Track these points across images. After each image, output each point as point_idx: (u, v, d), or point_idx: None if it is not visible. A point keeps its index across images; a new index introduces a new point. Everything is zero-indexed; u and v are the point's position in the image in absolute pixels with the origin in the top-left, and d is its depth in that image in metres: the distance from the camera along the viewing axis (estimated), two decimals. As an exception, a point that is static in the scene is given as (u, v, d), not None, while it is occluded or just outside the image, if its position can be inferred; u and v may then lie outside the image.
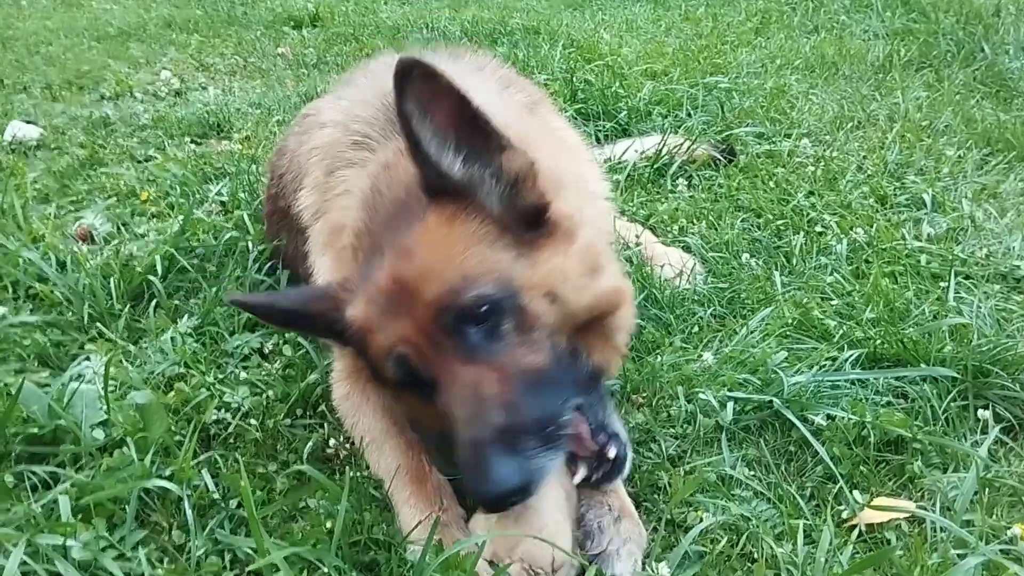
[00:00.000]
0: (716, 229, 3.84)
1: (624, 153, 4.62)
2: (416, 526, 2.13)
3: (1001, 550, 2.05)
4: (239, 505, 2.28)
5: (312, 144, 2.85)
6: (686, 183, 4.35)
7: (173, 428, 2.55)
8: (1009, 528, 2.15)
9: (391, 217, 2.24)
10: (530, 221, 2.16)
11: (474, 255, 2.07)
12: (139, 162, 4.88)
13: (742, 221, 3.89)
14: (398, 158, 2.39)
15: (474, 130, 2.09)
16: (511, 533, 2.05)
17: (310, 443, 2.54)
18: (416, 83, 1.97)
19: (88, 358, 2.87)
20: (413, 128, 2.04)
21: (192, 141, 5.23)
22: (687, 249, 3.69)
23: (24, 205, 3.96)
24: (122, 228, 3.95)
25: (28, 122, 5.32)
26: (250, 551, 2.10)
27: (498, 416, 1.93)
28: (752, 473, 2.43)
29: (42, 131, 5.24)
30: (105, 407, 2.55)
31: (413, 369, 2.08)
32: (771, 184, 4.27)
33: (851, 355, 2.81)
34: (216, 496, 2.30)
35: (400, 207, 2.24)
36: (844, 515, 2.26)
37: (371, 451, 2.47)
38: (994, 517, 2.24)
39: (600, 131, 5.15)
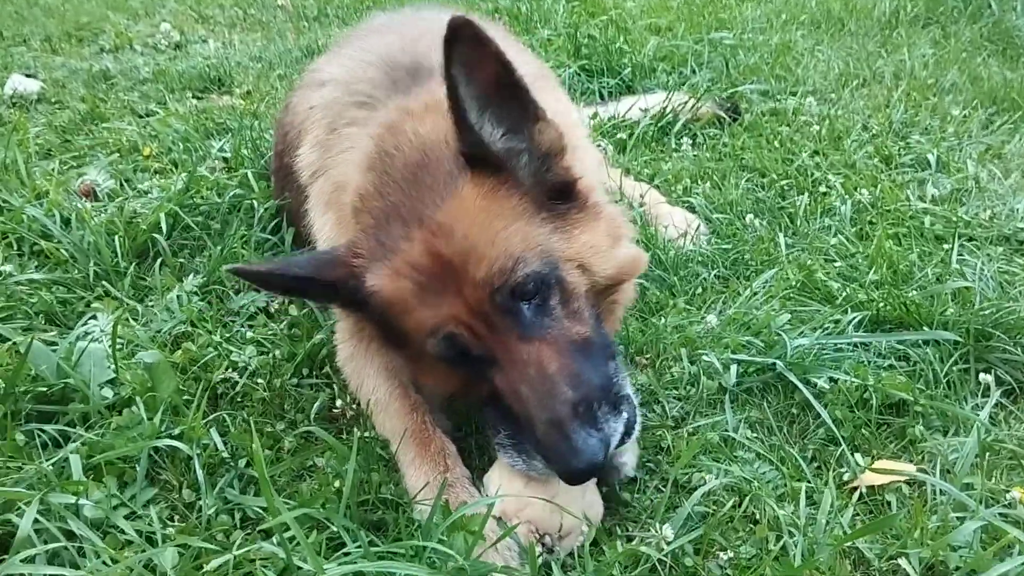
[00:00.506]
0: (720, 189, 3.84)
1: (628, 111, 4.60)
2: (423, 487, 2.15)
3: (1000, 514, 2.08)
4: (248, 464, 2.31)
5: (313, 102, 2.84)
6: (690, 142, 4.33)
7: (181, 387, 2.57)
8: (1008, 492, 2.17)
9: (410, 183, 2.18)
10: (558, 195, 2.17)
11: (517, 231, 2.06)
12: (140, 117, 4.86)
13: (746, 181, 3.88)
14: (404, 118, 2.37)
15: (513, 100, 2.07)
16: (529, 496, 2.09)
17: (317, 403, 2.57)
18: (464, 46, 1.92)
19: (95, 316, 2.88)
20: (459, 94, 1.99)
21: (193, 96, 5.20)
22: (691, 209, 3.69)
23: (27, 161, 3.95)
24: (125, 184, 3.94)
25: (28, 75, 5.29)
26: (260, 510, 2.13)
27: (569, 391, 1.96)
28: (755, 435, 2.45)
29: (42, 85, 5.21)
30: (113, 366, 2.57)
31: (464, 348, 2.07)
32: (776, 143, 4.26)
33: (854, 318, 2.83)
34: (225, 455, 2.33)
35: (420, 172, 2.18)
36: (845, 477, 2.29)
37: (376, 413, 2.49)
38: (993, 480, 2.27)
39: (604, 88, 5.12)
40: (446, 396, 2.40)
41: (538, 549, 2.04)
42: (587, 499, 2.16)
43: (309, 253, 2.66)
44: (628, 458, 2.21)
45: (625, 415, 2.05)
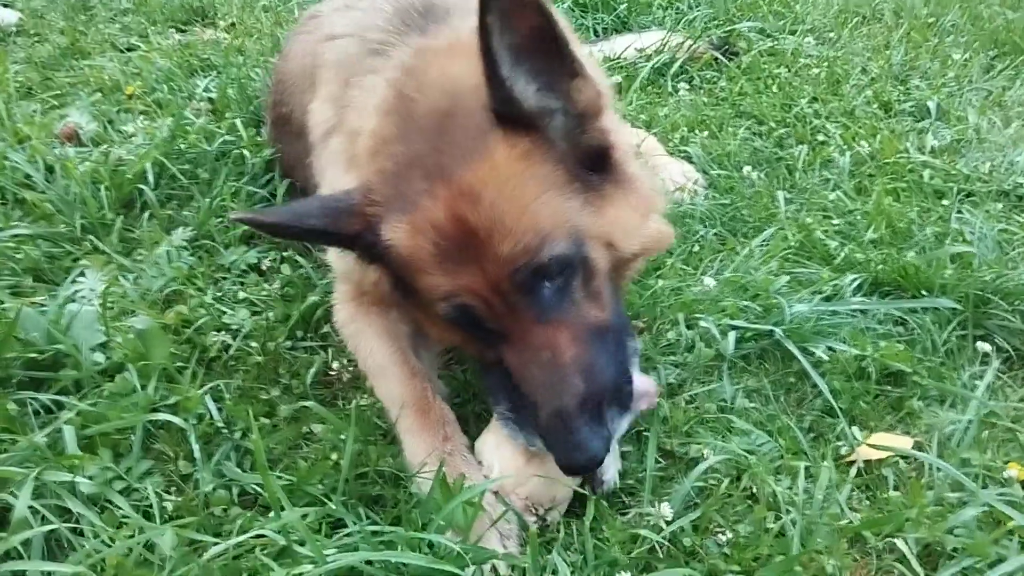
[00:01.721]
0: (718, 138, 3.78)
1: (624, 51, 4.50)
2: (423, 464, 2.13)
3: (999, 494, 2.09)
4: (243, 435, 2.29)
5: (325, 57, 2.68)
6: (687, 86, 4.25)
7: (174, 351, 2.54)
8: (1005, 470, 2.18)
9: (435, 131, 2.01)
10: (592, 163, 2.05)
11: (547, 204, 1.94)
12: (121, 52, 4.73)
13: (745, 130, 3.82)
14: (425, 59, 2.22)
15: (551, 53, 1.90)
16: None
17: (312, 368, 2.54)
18: None
19: (83, 273, 2.83)
20: (492, 44, 1.81)
21: (176, 29, 5.05)
22: (688, 160, 3.63)
23: (7, 101, 3.84)
24: (108, 126, 3.84)
25: (6, 6, 5.12)
26: (258, 488, 2.12)
27: (580, 384, 1.92)
28: (752, 404, 2.45)
29: (20, 16, 5.04)
30: (104, 328, 2.53)
31: (477, 319, 1.99)
32: (774, 88, 4.19)
33: (852, 280, 2.81)
34: (221, 425, 2.31)
35: (446, 121, 2.01)
36: (843, 451, 2.30)
37: (375, 378, 2.46)
38: (989, 454, 2.27)
39: (598, 24, 5.01)
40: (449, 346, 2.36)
41: (531, 520, 2.06)
42: None
43: (321, 199, 2.34)
44: (611, 473, 2.19)
45: (631, 414, 2.04)
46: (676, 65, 4.37)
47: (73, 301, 2.68)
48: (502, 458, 2.12)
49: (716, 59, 4.50)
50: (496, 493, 2.08)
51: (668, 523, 2.03)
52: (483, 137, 1.96)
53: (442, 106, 2.05)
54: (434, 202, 1.94)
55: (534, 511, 2.09)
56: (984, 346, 2.59)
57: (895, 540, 2.00)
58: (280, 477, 2.11)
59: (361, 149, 2.23)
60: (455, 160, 1.95)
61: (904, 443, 2.28)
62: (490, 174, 1.92)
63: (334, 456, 2.18)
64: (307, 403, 2.38)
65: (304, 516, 1.99)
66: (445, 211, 1.92)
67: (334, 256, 2.62)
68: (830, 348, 2.55)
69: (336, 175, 2.48)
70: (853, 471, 2.22)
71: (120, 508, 2.04)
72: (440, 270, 1.97)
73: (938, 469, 2.20)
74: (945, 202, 3.28)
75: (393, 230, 1.99)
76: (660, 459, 2.28)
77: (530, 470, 2.09)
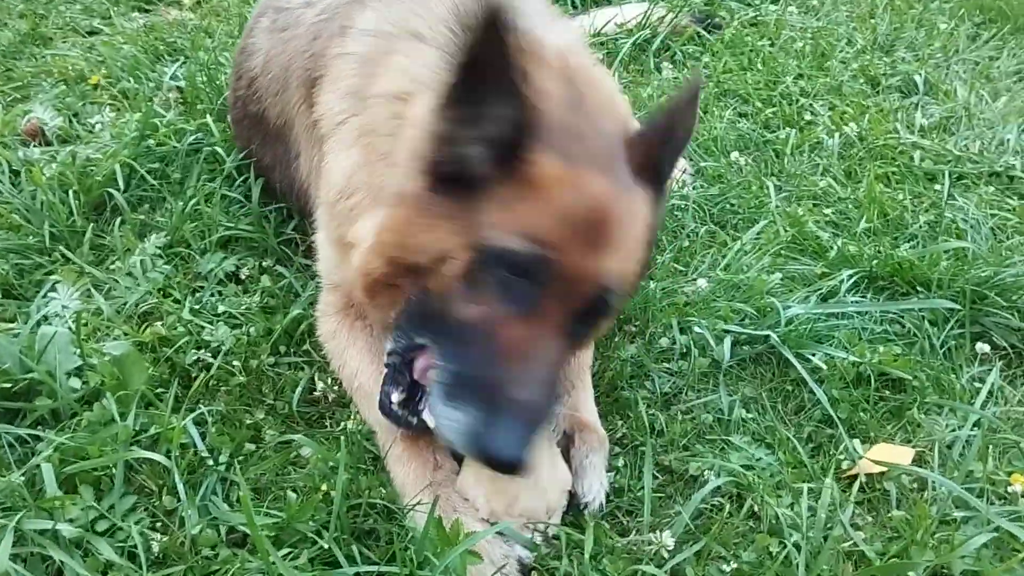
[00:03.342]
0: (704, 121, 3.68)
1: (605, 26, 4.38)
2: (415, 498, 2.07)
3: (1006, 512, 2.06)
4: (228, 467, 2.22)
5: (341, 51, 2.45)
6: (670, 64, 4.15)
7: (152, 371, 2.45)
8: (1008, 482, 2.15)
9: (592, 123, 2.01)
10: None
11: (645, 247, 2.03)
12: (84, 36, 4.54)
13: (731, 111, 3.73)
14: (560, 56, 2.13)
15: None
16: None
17: (298, 387, 2.46)
18: None
19: (54, 288, 2.73)
20: None
21: (138, 10, 4.86)
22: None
23: (-33, 94, 3.70)
24: (73, 120, 3.70)
25: (-40, -12, 4.90)
26: (244, 528, 2.05)
27: (547, 392, 1.88)
28: (749, 415, 2.40)
29: (-25, -2, 4.84)
30: (79, 350, 2.44)
31: (527, 291, 1.85)
32: (759, 64, 4.09)
33: (846, 276, 2.76)
34: (205, 454, 2.23)
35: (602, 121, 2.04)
36: (844, 465, 2.25)
37: (360, 399, 2.40)
38: (992, 463, 2.24)
39: (578, -4, 4.87)
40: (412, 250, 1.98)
41: (538, 539, 2.04)
42: (559, 470, 2.15)
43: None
44: (596, 494, 2.16)
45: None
46: (658, 40, 4.26)
47: (46, 320, 2.58)
48: (486, 490, 2.06)
49: (698, 33, 4.39)
50: (493, 524, 2.03)
51: (670, 552, 1.98)
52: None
53: (603, 105, 2.09)
54: (602, 187, 1.91)
55: (534, 527, 2.06)
56: (983, 347, 2.55)
57: (901, 561, 1.97)
58: (269, 513, 2.04)
59: (375, 145, 2.19)
60: (621, 173, 1.97)
61: (905, 455, 2.25)
62: (640, 204, 2.00)
63: (324, 487, 2.11)
64: (294, 430, 2.30)
65: (295, 556, 1.94)
66: (599, 206, 1.89)
67: (323, 263, 2.53)
68: (827, 355, 2.49)
69: (338, 151, 2.35)
70: (855, 487, 2.18)
71: (103, 553, 1.97)
72: (569, 245, 1.85)
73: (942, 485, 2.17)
74: (937, 186, 3.22)
75: (549, 159, 1.88)
76: (657, 474, 2.25)
77: (515, 488, 2.04)
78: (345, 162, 2.28)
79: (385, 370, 2.14)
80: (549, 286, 1.85)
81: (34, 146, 3.47)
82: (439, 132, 1.88)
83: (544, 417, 1.88)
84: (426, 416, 2.02)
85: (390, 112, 2.17)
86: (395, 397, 2.05)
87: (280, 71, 2.74)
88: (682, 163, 3.37)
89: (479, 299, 1.86)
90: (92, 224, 3.03)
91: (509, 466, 1.80)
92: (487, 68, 1.78)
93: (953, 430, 2.32)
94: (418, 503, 2.06)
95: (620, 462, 2.28)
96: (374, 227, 2.02)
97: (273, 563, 1.84)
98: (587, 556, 1.97)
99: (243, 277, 2.87)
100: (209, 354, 2.54)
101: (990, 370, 2.50)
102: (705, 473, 2.20)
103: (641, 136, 2.05)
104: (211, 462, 2.22)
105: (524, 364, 1.84)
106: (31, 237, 2.96)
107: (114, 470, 2.14)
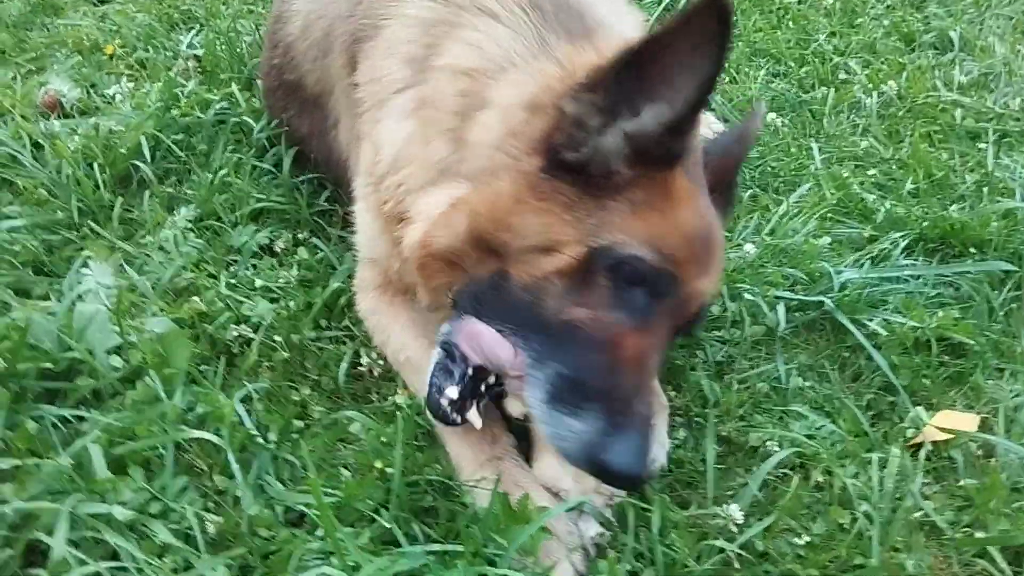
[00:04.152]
0: (736, 82, 3.61)
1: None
2: (474, 474, 2.03)
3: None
4: (279, 445, 2.17)
5: (393, 11, 2.32)
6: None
7: (194, 348, 2.40)
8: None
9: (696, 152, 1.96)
10: None
11: None
12: (95, 5, 4.44)
13: (764, 72, 3.64)
14: None
15: None
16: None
17: (344, 363, 2.40)
18: None
19: (86, 264, 2.66)
20: None
21: (150, -27, 4.75)
22: (709, 108, 3.46)
23: (-19, 67, 3.61)
24: (91, 91, 3.62)
25: (-34, -42, 4.78)
26: (303, 507, 2.00)
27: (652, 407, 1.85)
28: (807, 384, 2.35)
29: (-17, -31, 4.72)
30: (119, 329, 2.38)
31: (645, 302, 1.79)
32: (789, 23, 4.00)
33: (897, 238, 2.70)
34: (254, 432, 2.18)
35: None
36: (908, 433, 2.21)
37: (408, 372, 2.35)
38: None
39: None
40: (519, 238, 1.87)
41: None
42: None
43: None
44: (658, 452, 2.11)
45: None
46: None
47: (81, 298, 2.52)
48: (572, 471, 1.98)
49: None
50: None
51: (739, 526, 1.94)
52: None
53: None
54: (707, 202, 1.93)
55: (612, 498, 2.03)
56: (1043, 309, 2.50)
57: (975, 532, 1.93)
58: (326, 492, 1.99)
59: (439, 120, 2.07)
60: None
61: (971, 422, 2.21)
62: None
63: (379, 464, 2.06)
64: (341, 406, 2.26)
65: (358, 535, 1.89)
66: (710, 229, 1.89)
67: (362, 236, 2.46)
68: (884, 320, 2.43)
69: (390, 124, 2.23)
70: (921, 455, 2.13)
71: (158, 534, 1.92)
72: (689, 259, 1.81)
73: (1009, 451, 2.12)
74: (980, 145, 3.15)
75: (684, 180, 1.84)
76: (716, 445, 2.19)
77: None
78: (398, 133, 2.18)
79: (435, 351, 2.04)
80: (666, 301, 1.79)
81: (54, 119, 3.39)
82: (573, 114, 1.78)
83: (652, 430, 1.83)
84: (471, 416, 1.96)
85: (457, 88, 2.06)
86: (450, 393, 1.94)
87: (321, 35, 2.66)
88: (718, 125, 3.31)
89: (586, 301, 1.78)
90: (120, 198, 2.96)
91: (631, 480, 1.76)
92: (670, 61, 1.64)
93: (1017, 395, 2.27)
94: (479, 479, 2.01)
95: (681, 434, 2.22)
96: (444, 200, 1.94)
97: (341, 540, 1.78)
98: (655, 531, 1.92)
99: (278, 250, 2.80)
100: (250, 329, 2.48)
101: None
102: (767, 444, 2.15)
103: (712, 159, 2.04)
104: (261, 440, 2.17)
105: (643, 377, 1.79)
106: (59, 212, 2.89)
107: (163, 451, 2.09)
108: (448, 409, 1.96)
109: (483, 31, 2.10)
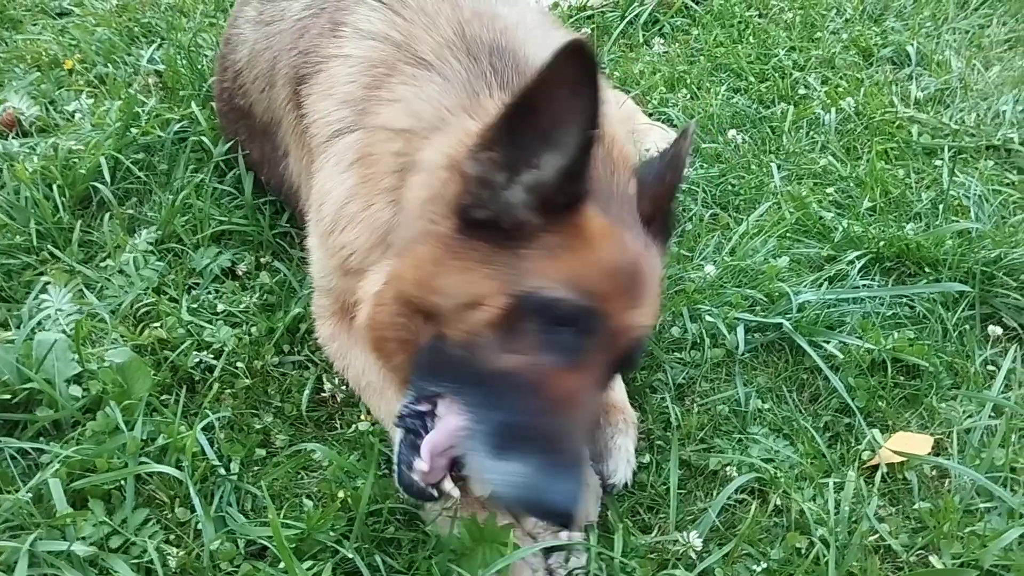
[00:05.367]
0: (697, 98, 3.63)
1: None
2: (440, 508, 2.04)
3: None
4: (240, 476, 2.16)
5: (335, 51, 2.34)
6: (660, 39, 4.08)
7: (154, 375, 2.38)
8: (1030, 469, 2.15)
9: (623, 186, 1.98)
10: None
11: None
12: (54, 18, 4.39)
13: (725, 88, 3.67)
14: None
15: None
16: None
17: (306, 389, 2.40)
18: None
19: (45, 289, 2.64)
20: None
21: (109, -15, 4.70)
22: (669, 122, 3.49)
23: (-63, 86, 3.56)
24: (50, 108, 3.58)
25: (-80, -31, 4.71)
26: (264, 541, 2.00)
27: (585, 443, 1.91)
28: (765, 406, 2.38)
29: (-63, -20, 4.65)
30: (78, 357, 2.36)
31: (573, 342, 1.78)
32: (749, 37, 4.04)
33: (853, 257, 2.74)
34: (215, 462, 2.17)
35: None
36: (864, 456, 2.24)
37: (370, 397, 2.35)
38: (1011, 450, 2.23)
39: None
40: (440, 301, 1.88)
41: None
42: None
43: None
44: (622, 474, 2.15)
45: None
46: (646, 14, 4.19)
47: (41, 325, 2.50)
48: None
49: (687, 5, 4.32)
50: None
51: (698, 553, 1.97)
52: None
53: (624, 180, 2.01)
54: (633, 244, 1.90)
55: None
56: (996, 330, 2.55)
57: (929, 556, 1.97)
58: (287, 524, 1.99)
59: (379, 173, 2.10)
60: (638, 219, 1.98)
61: (924, 444, 2.24)
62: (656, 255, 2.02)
63: (341, 494, 2.07)
64: (304, 433, 2.27)
65: (319, 569, 1.90)
66: (641, 265, 1.88)
67: (316, 268, 2.45)
68: (842, 342, 2.47)
69: (332, 170, 2.24)
70: (877, 477, 2.17)
71: (119, 572, 1.91)
72: (617, 296, 1.82)
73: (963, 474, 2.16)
74: (936, 162, 3.21)
75: (601, 212, 1.85)
76: (678, 469, 2.21)
77: None
78: (339, 188, 2.19)
79: (397, 432, 2.00)
80: (594, 338, 1.79)
81: (12, 137, 3.35)
82: (475, 175, 1.79)
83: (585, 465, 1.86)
84: (446, 486, 1.90)
85: (393, 149, 2.08)
86: (420, 465, 1.86)
87: (266, 67, 2.64)
88: (660, 131, 3.32)
89: (517, 348, 1.77)
90: (79, 220, 2.94)
91: (566, 516, 1.73)
92: (551, 110, 1.66)
93: (970, 416, 2.31)
94: (443, 509, 2.02)
95: (645, 458, 2.24)
96: (380, 279, 1.96)
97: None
98: (617, 557, 1.94)
99: (240, 273, 2.79)
100: (211, 356, 2.48)
101: (1004, 353, 2.50)
102: (726, 469, 2.17)
103: (646, 187, 2.03)
104: (223, 471, 2.16)
105: (574, 414, 1.79)
106: (17, 236, 2.86)
107: (124, 483, 2.09)
108: (422, 484, 1.89)
109: (417, 84, 2.11)
